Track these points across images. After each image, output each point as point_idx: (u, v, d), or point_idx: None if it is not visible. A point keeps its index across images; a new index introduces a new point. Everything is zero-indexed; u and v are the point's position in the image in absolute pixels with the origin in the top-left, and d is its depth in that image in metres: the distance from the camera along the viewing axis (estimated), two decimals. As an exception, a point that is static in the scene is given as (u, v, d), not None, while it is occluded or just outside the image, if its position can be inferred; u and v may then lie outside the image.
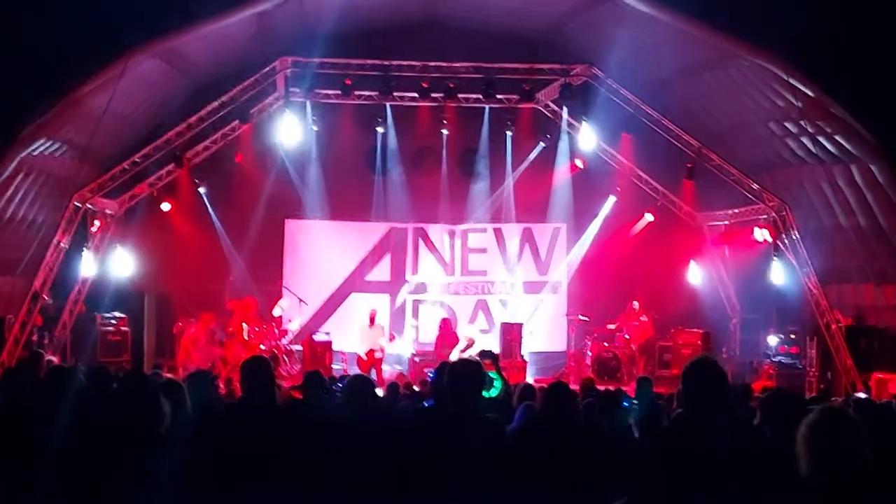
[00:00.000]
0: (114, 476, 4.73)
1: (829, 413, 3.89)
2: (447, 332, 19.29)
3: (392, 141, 20.52)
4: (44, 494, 4.94)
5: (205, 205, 19.72)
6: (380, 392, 11.34)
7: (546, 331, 20.82)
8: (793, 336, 18.85)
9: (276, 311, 19.22)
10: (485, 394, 10.44)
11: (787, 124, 16.84)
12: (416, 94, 19.41)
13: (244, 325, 18.47)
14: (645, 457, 4.82)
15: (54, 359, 12.80)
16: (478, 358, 11.18)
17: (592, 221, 20.95)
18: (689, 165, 19.12)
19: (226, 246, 19.89)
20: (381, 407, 8.09)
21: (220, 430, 5.58)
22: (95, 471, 4.76)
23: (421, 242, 21.24)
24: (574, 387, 11.66)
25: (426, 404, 9.25)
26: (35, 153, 15.95)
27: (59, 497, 4.85)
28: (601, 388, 11.90)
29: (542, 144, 20.63)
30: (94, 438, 4.95)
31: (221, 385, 12.71)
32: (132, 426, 4.90)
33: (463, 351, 17.85)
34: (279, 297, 19.73)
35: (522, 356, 19.35)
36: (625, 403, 9.09)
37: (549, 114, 20.60)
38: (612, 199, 20.80)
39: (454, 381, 5.17)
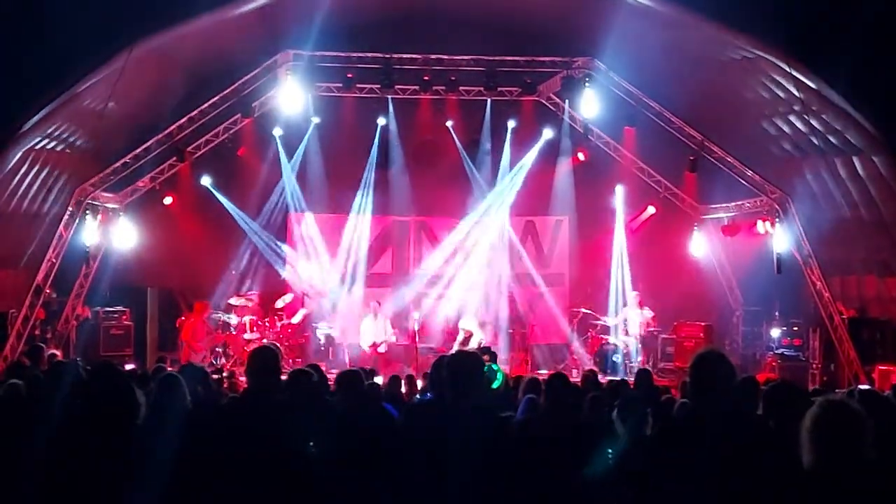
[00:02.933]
0: (93, 466, 4.74)
1: (833, 405, 3.88)
2: (449, 325, 19.34)
3: (394, 134, 20.50)
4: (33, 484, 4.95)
5: (206, 198, 19.73)
6: (379, 381, 11.40)
7: (548, 324, 20.82)
8: (795, 328, 18.85)
9: (279, 305, 19.23)
10: (495, 377, 10.45)
11: (789, 116, 16.80)
12: (417, 87, 19.40)
13: (247, 319, 18.48)
14: (644, 448, 4.83)
15: (57, 353, 12.79)
16: (476, 351, 11.20)
17: (599, 215, 20.93)
18: (691, 158, 19.13)
19: (228, 239, 19.89)
20: (377, 400, 8.10)
21: (218, 423, 5.57)
22: (75, 464, 4.77)
23: (423, 235, 21.25)
24: (575, 379, 11.68)
25: (422, 397, 9.26)
26: (37, 147, 15.94)
27: (43, 485, 4.86)
28: (603, 380, 11.91)
29: (544, 137, 20.60)
30: (74, 431, 4.96)
31: (224, 378, 12.75)
32: (106, 418, 4.91)
33: (463, 343, 17.87)
34: (282, 290, 19.73)
35: (525, 349, 19.38)
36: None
37: (551, 106, 20.60)
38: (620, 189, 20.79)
39: (453, 375, 5.17)
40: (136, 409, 5.06)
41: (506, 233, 21.23)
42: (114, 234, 18.75)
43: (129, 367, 14.11)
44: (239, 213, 19.81)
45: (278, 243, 20.19)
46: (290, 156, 20.13)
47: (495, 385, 12.41)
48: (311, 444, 5.77)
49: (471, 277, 21.00)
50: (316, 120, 19.97)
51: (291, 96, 18.52)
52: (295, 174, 20.31)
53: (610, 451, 6.09)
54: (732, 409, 4.53)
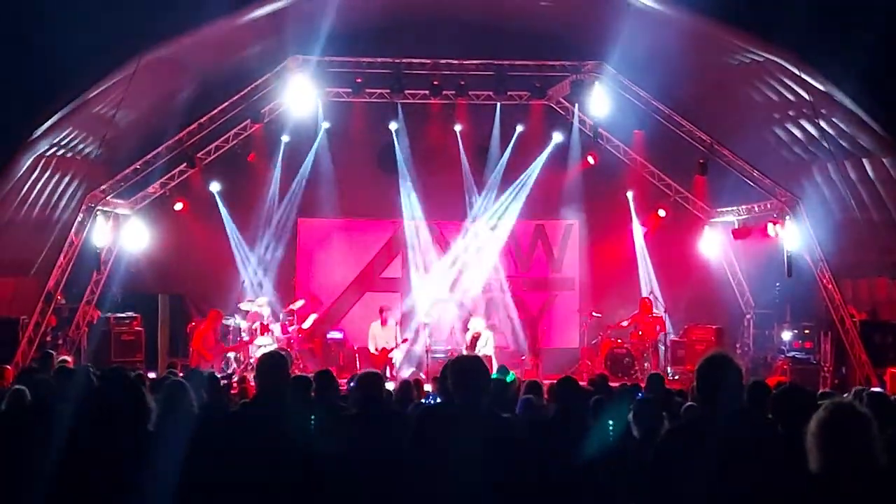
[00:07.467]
0: (103, 473, 4.75)
1: (839, 408, 3.87)
2: (459, 328, 19.36)
3: (404, 138, 20.51)
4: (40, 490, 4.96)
5: (216, 204, 19.78)
6: (390, 386, 11.37)
7: (558, 327, 20.80)
8: (807, 331, 18.79)
9: (290, 310, 19.24)
10: (507, 378, 10.46)
11: (798, 119, 16.77)
12: (427, 92, 19.42)
13: (257, 324, 18.49)
14: (653, 452, 4.82)
15: (69, 359, 12.81)
16: (480, 355, 11.19)
17: (610, 218, 20.90)
18: (701, 161, 19.08)
19: (238, 245, 19.94)
20: (391, 404, 8.10)
21: (226, 429, 5.58)
22: (85, 469, 4.78)
23: (433, 240, 21.23)
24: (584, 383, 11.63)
25: (431, 401, 9.26)
26: (48, 154, 16.01)
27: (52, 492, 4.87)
28: (614, 384, 11.89)
29: (553, 141, 20.59)
30: (84, 436, 4.97)
31: (234, 384, 12.77)
32: (118, 423, 4.91)
33: (469, 345, 17.85)
34: (292, 296, 19.75)
35: (535, 353, 19.37)
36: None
37: (560, 110, 20.59)
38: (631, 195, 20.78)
39: (458, 378, 5.19)
40: (147, 413, 5.07)
41: (516, 236, 21.22)
42: (124, 235, 18.81)
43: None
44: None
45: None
46: (299, 161, 20.15)
47: (510, 378, 12.42)
48: (324, 446, 5.77)
49: (481, 281, 20.99)
50: (326, 125, 20.02)
51: (300, 97, 18.60)
52: (305, 179, 20.32)
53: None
54: (739, 412, 4.52)
